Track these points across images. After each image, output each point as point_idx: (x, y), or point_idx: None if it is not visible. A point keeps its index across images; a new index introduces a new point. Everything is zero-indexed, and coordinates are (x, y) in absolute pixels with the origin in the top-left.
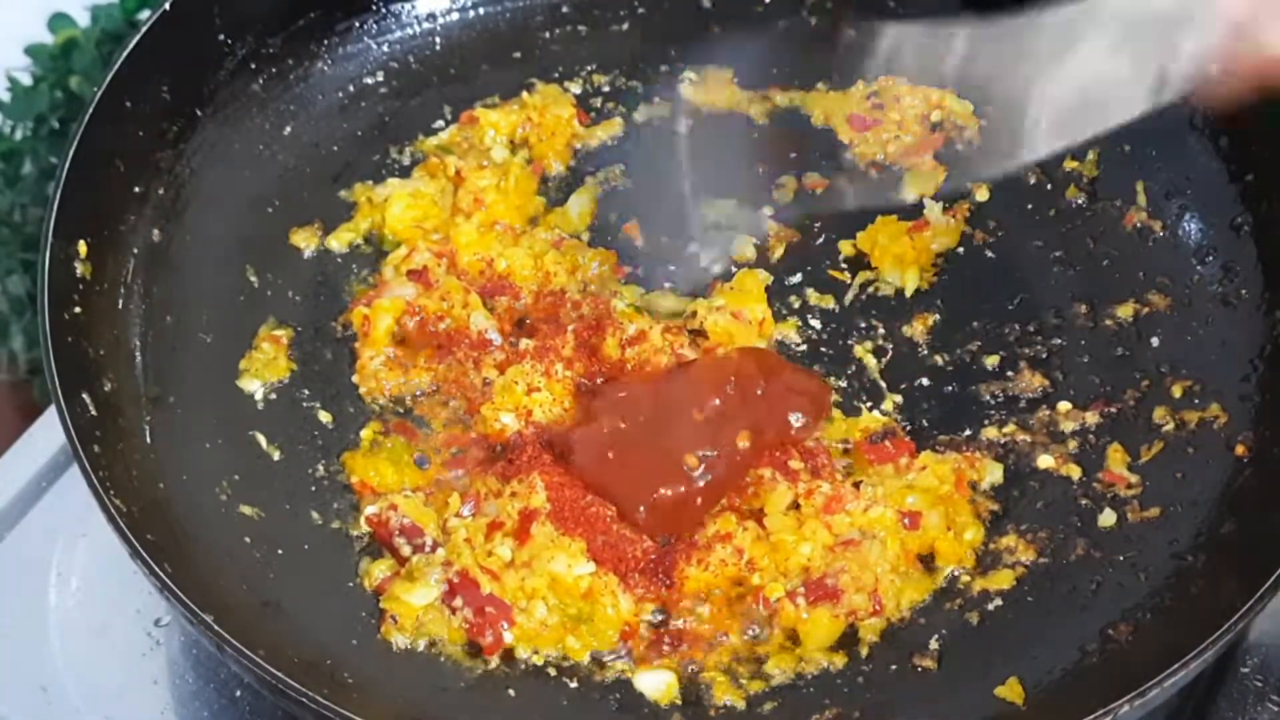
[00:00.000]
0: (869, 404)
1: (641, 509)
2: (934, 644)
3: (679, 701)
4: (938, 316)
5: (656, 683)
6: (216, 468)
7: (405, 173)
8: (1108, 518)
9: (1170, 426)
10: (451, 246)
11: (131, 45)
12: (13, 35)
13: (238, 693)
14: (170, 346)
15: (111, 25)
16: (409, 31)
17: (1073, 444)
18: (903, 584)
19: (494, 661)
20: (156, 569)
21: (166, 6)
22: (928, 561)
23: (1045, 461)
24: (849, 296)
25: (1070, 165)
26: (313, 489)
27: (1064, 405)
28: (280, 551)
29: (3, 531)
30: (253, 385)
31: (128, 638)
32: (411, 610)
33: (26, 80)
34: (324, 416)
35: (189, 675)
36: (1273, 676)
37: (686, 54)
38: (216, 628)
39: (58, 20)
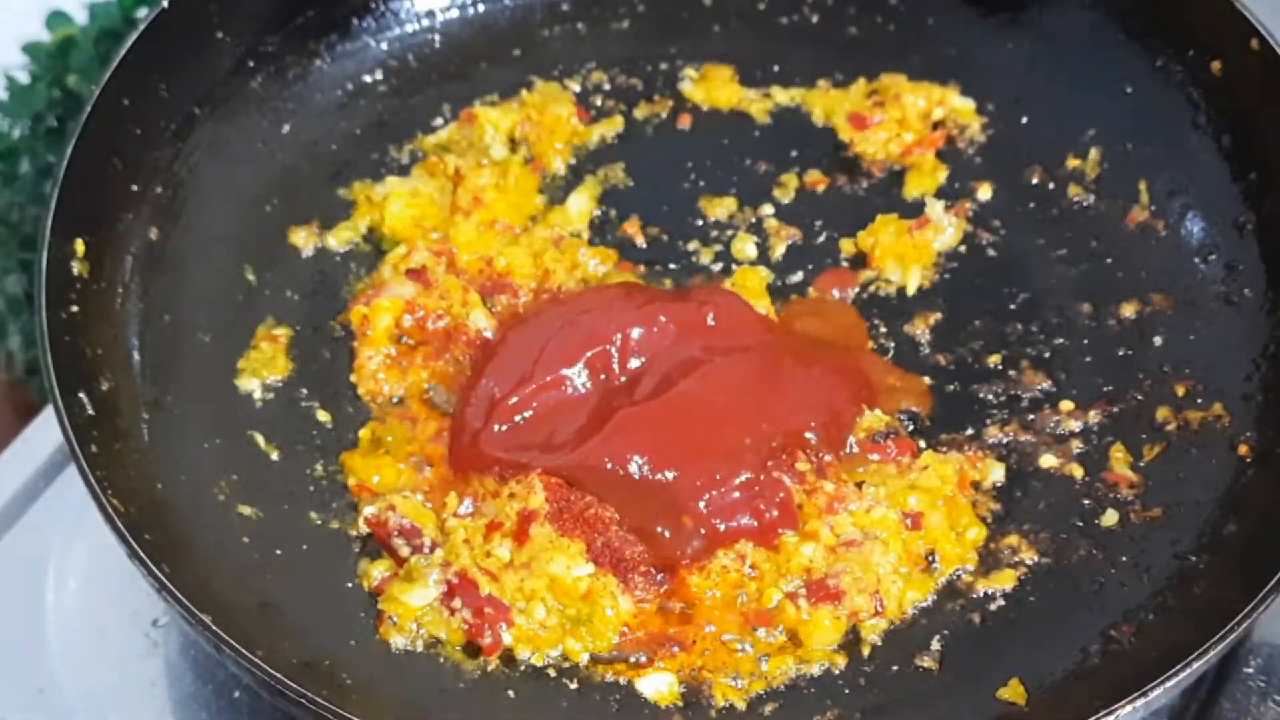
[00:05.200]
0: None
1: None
2: (936, 644)
3: (679, 702)
4: (940, 315)
5: (657, 684)
6: (215, 467)
7: (404, 171)
8: (1110, 518)
9: (1173, 426)
10: (450, 245)
11: (130, 43)
12: (10, 33)
13: (236, 694)
14: (168, 345)
15: (109, 23)
16: (408, 29)
17: (1075, 444)
18: (905, 584)
19: (493, 662)
20: (154, 569)
21: (165, 4)
22: (930, 562)
23: (1048, 461)
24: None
25: (1073, 164)
26: (311, 489)
27: (1066, 405)
28: (278, 552)
29: (0, 531)
30: (251, 384)
31: (125, 639)
32: (410, 611)
33: (24, 78)
34: (322, 416)
35: (187, 676)
36: (1275, 676)
37: (687, 51)
38: (214, 628)
39: (55, 18)
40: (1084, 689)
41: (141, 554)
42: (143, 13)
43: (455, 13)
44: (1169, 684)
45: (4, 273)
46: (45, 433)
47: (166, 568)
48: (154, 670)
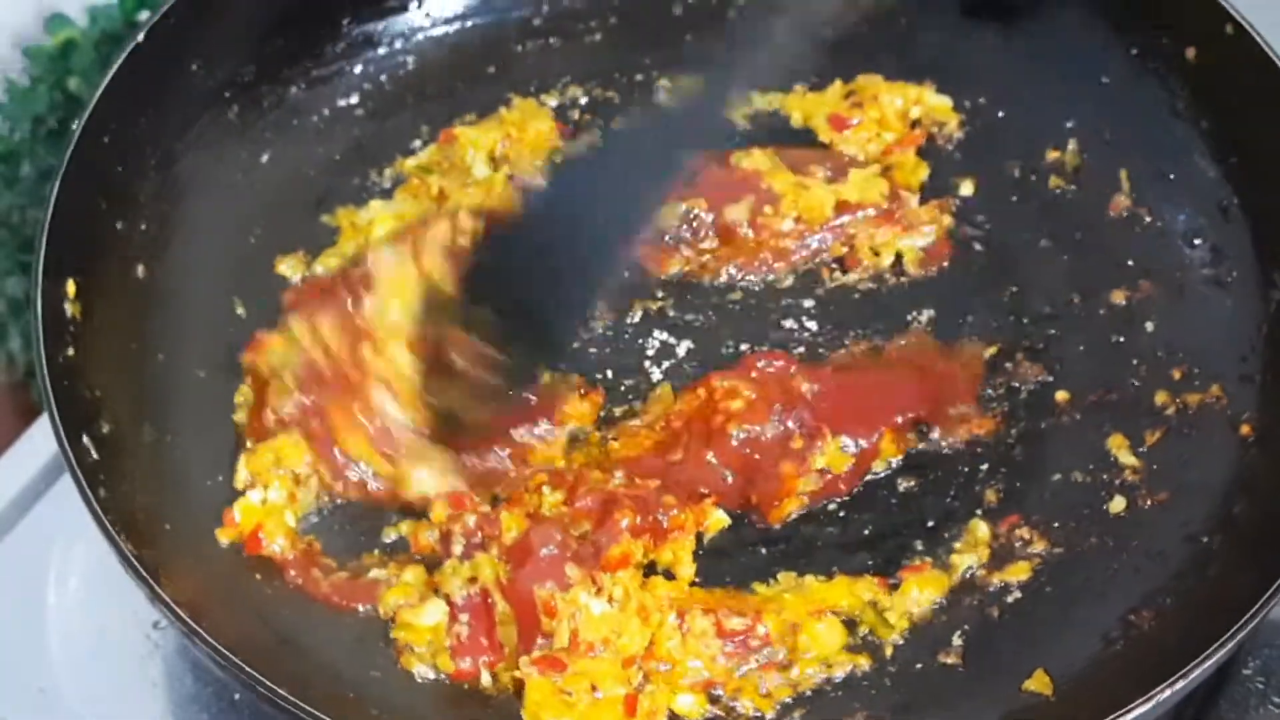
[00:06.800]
0: None
1: None
2: (957, 640)
3: (707, 713)
4: (932, 312)
5: (687, 702)
6: (220, 505)
7: (387, 194)
8: (1118, 504)
9: (1172, 410)
10: None
11: (108, 80)
12: (10, 36)
13: (236, 696)
14: (164, 384)
15: (110, 26)
16: (381, 52)
17: (1076, 433)
18: (921, 581)
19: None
20: (183, 617)
21: (140, 39)
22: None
23: (1052, 451)
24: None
25: (1052, 155)
26: (318, 520)
27: (1063, 394)
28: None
29: (1, 533)
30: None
31: (126, 640)
32: (422, 633)
33: (24, 81)
34: None
35: (187, 678)
36: (1275, 677)
37: (661, 61)
38: (249, 669)
39: (56, 21)
40: (1110, 675)
41: (167, 600)
42: (144, 16)
43: (427, 34)
44: (1207, 664)
45: (5, 275)
46: (46, 435)
47: (188, 612)
48: (154, 671)
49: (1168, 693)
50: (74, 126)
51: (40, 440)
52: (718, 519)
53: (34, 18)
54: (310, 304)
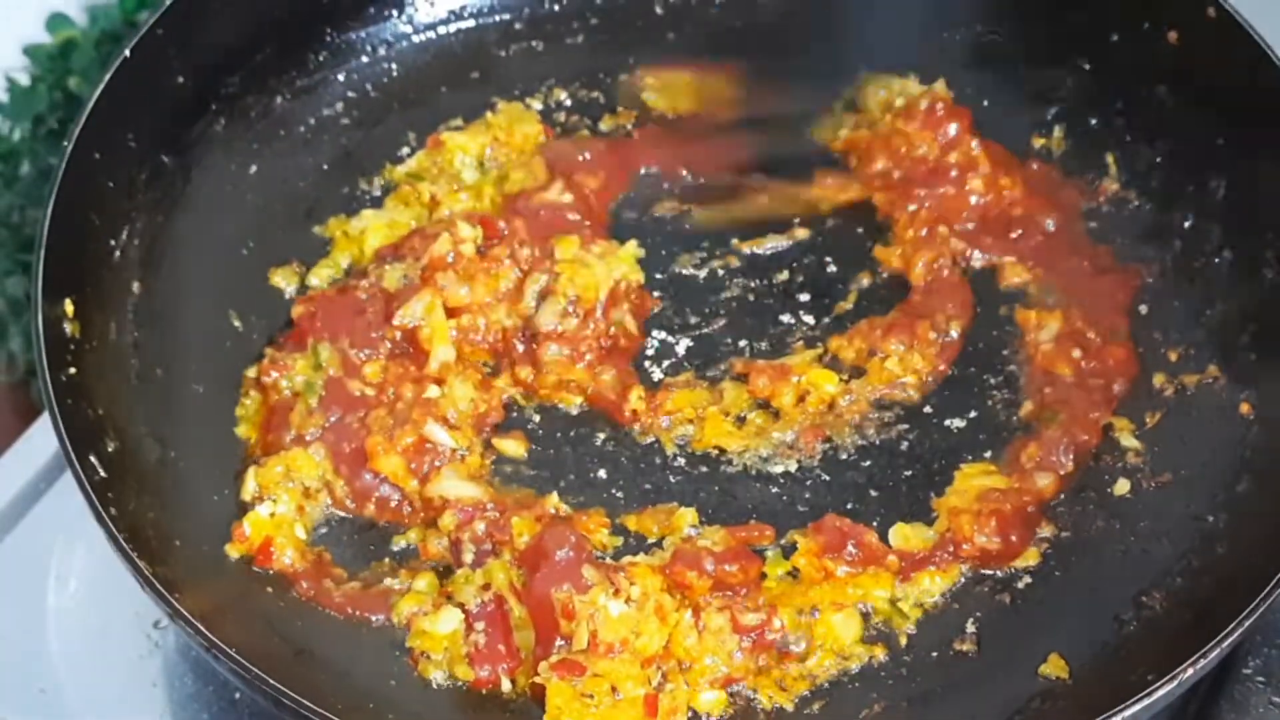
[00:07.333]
0: None
1: None
2: (971, 627)
3: (729, 711)
4: None
5: (707, 699)
6: (228, 519)
7: (377, 203)
8: (1122, 486)
9: (1170, 392)
10: None
11: (96, 95)
12: (11, 36)
13: (236, 695)
14: (164, 400)
15: (110, 25)
16: (364, 60)
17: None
18: (932, 570)
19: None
20: (204, 631)
21: (126, 54)
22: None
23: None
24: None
25: (1038, 143)
26: (325, 531)
27: None
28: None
29: (1, 533)
30: (251, 432)
31: (126, 640)
32: (438, 640)
33: (25, 81)
34: None
35: (187, 677)
36: (1275, 677)
37: (644, 60)
38: (273, 682)
39: (56, 21)
40: (1126, 657)
41: (189, 616)
42: (143, 15)
43: (409, 41)
44: (1226, 644)
45: (5, 275)
46: (46, 435)
47: (204, 626)
48: (155, 671)
49: (1190, 671)
50: (65, 144)
51: (40, 440)
52: None
53: (34, 17)
54: (330, 323)
